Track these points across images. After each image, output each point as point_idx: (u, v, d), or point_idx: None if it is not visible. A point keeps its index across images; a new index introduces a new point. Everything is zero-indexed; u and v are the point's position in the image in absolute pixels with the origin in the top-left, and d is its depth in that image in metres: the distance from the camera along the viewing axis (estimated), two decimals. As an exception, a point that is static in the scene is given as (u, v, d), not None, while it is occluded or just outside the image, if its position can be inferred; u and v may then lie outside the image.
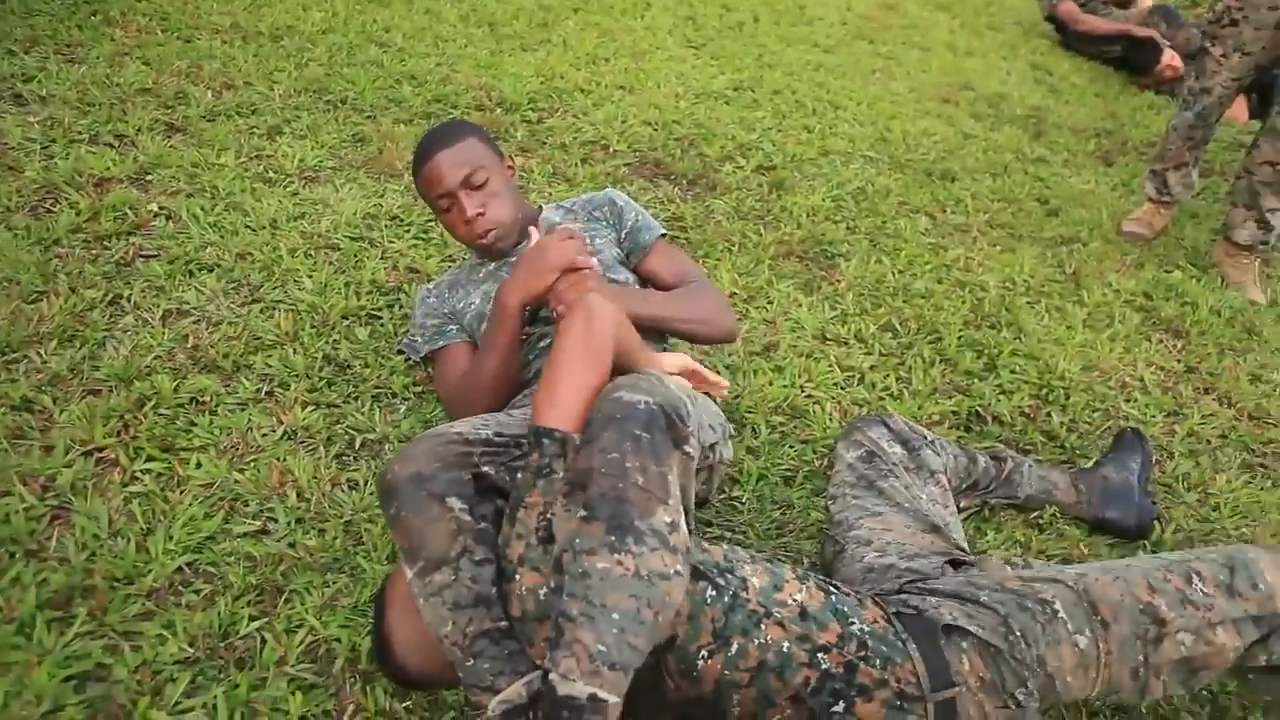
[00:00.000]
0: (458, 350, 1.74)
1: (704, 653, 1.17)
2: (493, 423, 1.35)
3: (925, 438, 1.72)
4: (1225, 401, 2.31)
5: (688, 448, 1.16)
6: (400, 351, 1.93)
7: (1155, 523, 1.83)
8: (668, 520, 1.09)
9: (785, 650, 1.18)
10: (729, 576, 1.22)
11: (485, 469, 1.26)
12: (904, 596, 1.33)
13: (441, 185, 1.67)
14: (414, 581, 1.17)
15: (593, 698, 0.98)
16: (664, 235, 1.85)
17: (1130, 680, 1.23)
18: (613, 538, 1.06)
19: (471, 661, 1.14)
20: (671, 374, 1.39)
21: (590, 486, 1.09)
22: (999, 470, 1.79)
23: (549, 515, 1.16)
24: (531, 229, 1.68)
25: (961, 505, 1.77)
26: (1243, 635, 1.23)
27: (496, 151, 1.76)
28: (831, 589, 1.28)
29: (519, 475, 1.22)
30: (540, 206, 1.90)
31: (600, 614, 1.02)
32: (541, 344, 1.66)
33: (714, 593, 1.19)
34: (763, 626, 1.19)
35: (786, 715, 1.19)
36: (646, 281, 1.82)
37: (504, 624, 1.15)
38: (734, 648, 1.17)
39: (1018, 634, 1.23)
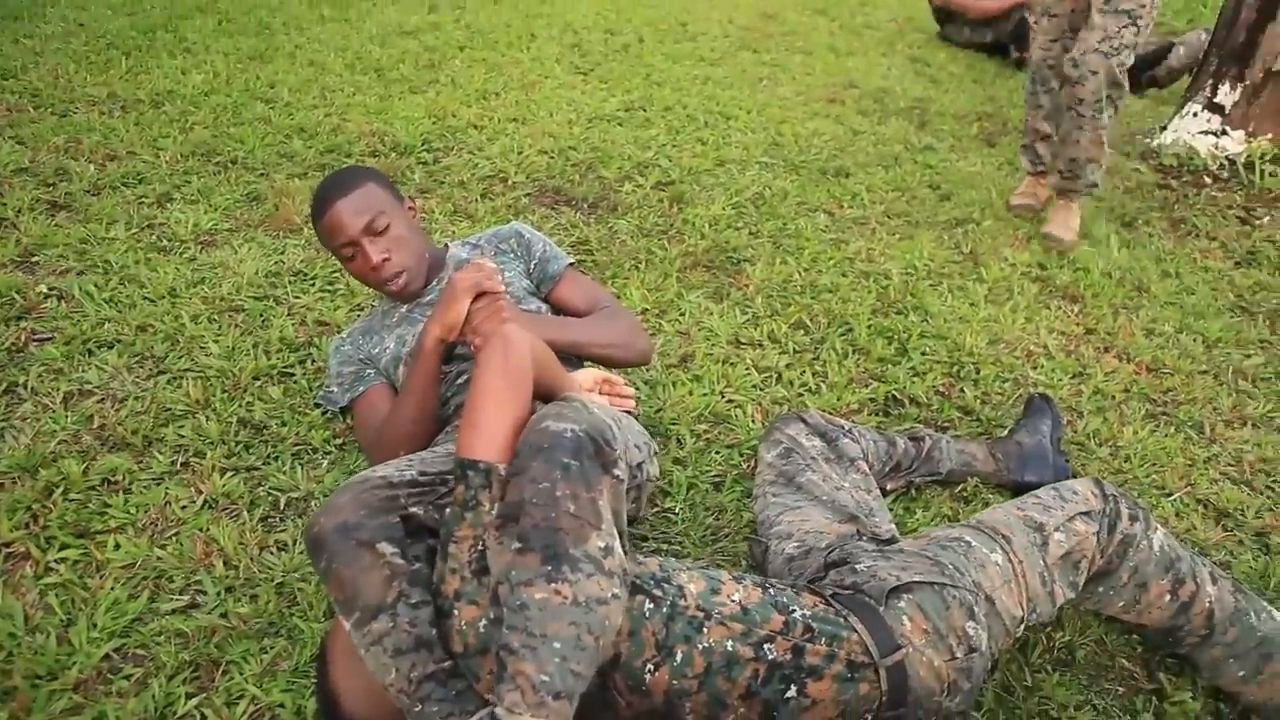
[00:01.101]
0: (376, 394, 1.72)
1: (650, 666, 1.18)
2: (416, 462, 1.34)
3: (843, 428, 1.76)
4: (1124, 358, 2.42)
5: (616, 471, 1.17)
6: (318, 405, 1.90)
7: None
8: (601, 545, 1.10)
9: (729, 649, 1.20)
10: (665, 586, 1.23)
11: (413, 509, 1.25)
12: (833, 575, 1.38)
13: (343, 234, 1.65)
14: (352, 633, 1.16)
15: None
16: (572, 264, 1.87)
17: (1041, 587, 1.38)
18: (549, 567, 1.06)
19: (420, 707, 1.12)
20: (588, 389, 1.40)
21: (522, 518, 1.09)
22: (918, 449, 1.85)
23: (480, 547, 1.16)
24: (479, 260, 1.66)
25: (889, 488, 1.82)
26: (1090, 524, 1.42)
27: (395, 194, 1.75)
28: (768, 585, 1.31)
29: (447, 510, 1.21)
30: (446, 245, 1.90)
31: (541, 644, 1.03)
32: (460, 380, 1.66)
33: (652, 605, 1.20)
34: (704, 630, 1.20)
35: (740, 714, 1.20)
36: (558, 310, 1.84)
37: (447, 664, 1.14)
38: (679, 656, 1.18)
39: (950, 566, 1.34)
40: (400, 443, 1.55)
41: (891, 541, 1.49)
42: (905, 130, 3.97)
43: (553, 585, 1.05)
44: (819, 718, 1.21)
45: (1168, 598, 1.44)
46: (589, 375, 1.50)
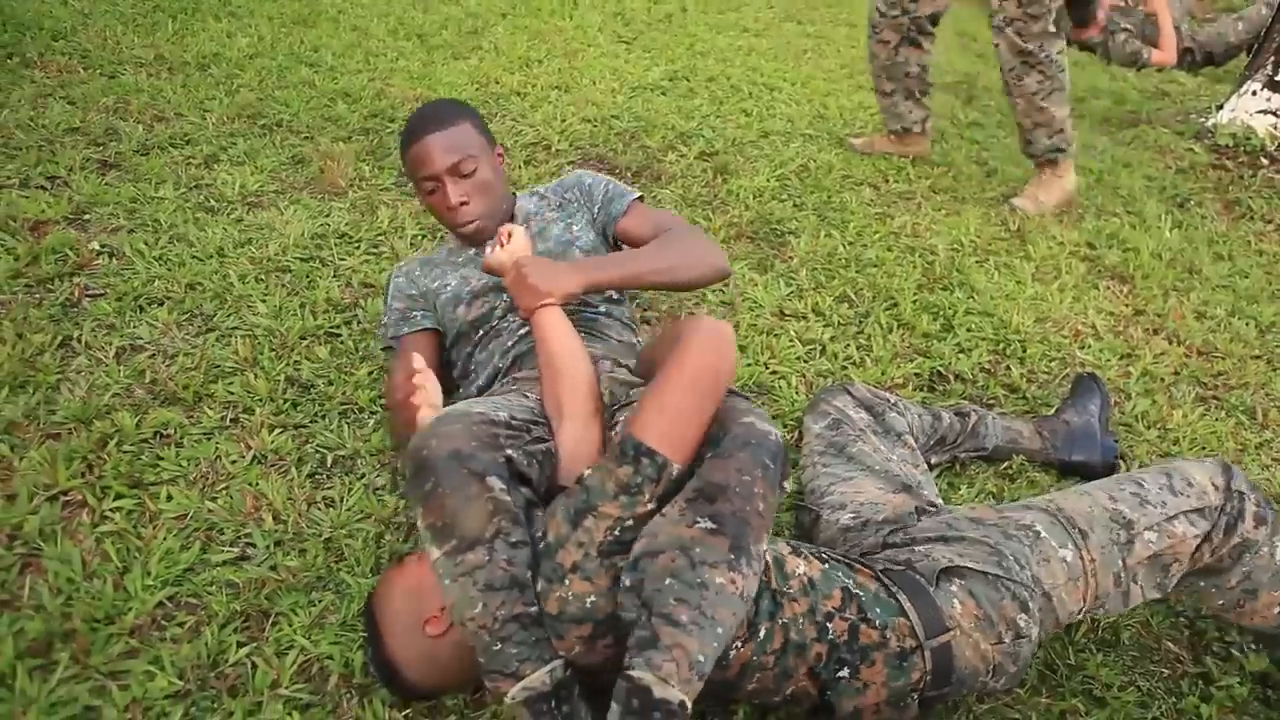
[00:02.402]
0: (418, 342, 1.70)
1: (737, 643, 1.19)
2: (503, 405, 1.34)
3: (889, 401, 1.75)
4: (1174, 340, 2.38)
5: (786, 484, 1.21)
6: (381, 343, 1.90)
7: (1119, 460, 1.88)
8: (763, 548, 1.14)
9: (801, 626, 1.20)
10: None
11: (510, 452, 1.23)
12: (888, 553, 1.36)
13: (429, 168, 1.62)
14: (442, 561, 1.14)
15: (682, 704, 1.01)
16: (639, 198, 1.81)
17: (1114, 587, 1.30)
18: (733, 556, 1.08)
19: (499, 646, 1.12)
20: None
21: (720, 501, 1.11)
22: (964, 425, 1.83)
23: (618, 531, 1.14)
24: (505, 228, 1.62)
25: (932, 462, 1.80)
26: (1194, 526, 1.33)
27: (488, 138, 1.71)
28: (825, 556, 1.31)
29: (588, 479, 1.18)
30: (515, 194, 1.87)
31: (709, 625, 1.05)
32: (522, 331, 1.64)
33: None
34: (784, 606, 1.21)
35: (801, 685, 1.21)
36: (626, 248, 1.79)
37: (534, 610, 1.14)
38: (762, 632, 1.19)
39: (1010, 558, 1.28)
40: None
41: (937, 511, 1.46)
42: (952, 105, 3.91)
43: (732, 573, 1.08)
44: (869, 699, 1.22)
45: (1277, 609, 1.37)
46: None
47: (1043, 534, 1.32)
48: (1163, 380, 2.20)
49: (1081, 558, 1.30)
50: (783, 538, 1.34)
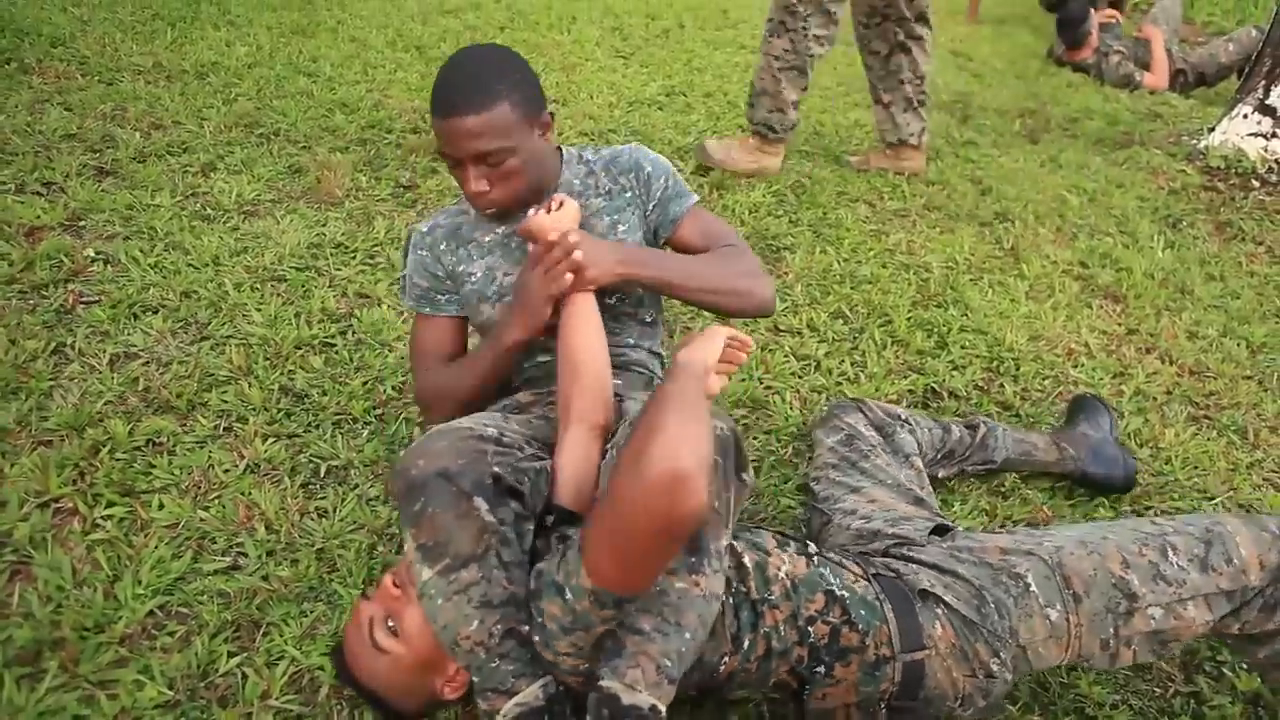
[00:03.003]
0: (444, 327, 1.58)
1: (724, 658, 1.19)
2: (491, 423, 1.31)
3: (899, 418, 1.75)
4: (1167, 359, 2.39)
5: (745, 475, 1.18)
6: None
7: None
8: (724, 544, 1.12)
9: (783, 633, 1.21)
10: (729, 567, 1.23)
11: (496, 468, 1.21)
12: (887, 560, 1.36)
13: (452, 149, 1.41)
14: (434, 580, 1.13)
15: (654, 709, 1.01)
16: (698, 202, 1.62)
17: (1100, 650, 1.27)
18: (693, 559, 1.08)
19: (496, 663, 1.12)
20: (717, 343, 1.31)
21: None
22: (973, 437, 1.82)
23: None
24: (557, 196, 1.45)
25: (940, 475, 1.80)
26: (1214, 610, 1.25)
27: (530, 111, 1.43)
28: (811, 552, 1.30)
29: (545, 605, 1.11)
30: (561, 151, 1.61)
31: (674, 631, 1.05)
32: (541, 359, 1.57)
33: (727, 599, 1.20)
34: (764, 615, 1.21)
35: (782, 679, 1.22)
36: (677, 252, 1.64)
37: (526, 628, 1.14)
38: (745, 643, 1.19)
39: (991, 606, 1.26)
40: (453, 409, 1.48)
41: (954, 531, 1.43)
42: (947, 124, 3.93)
43: (693, 576, 1.07)
44: (839, 694, 1.24)
45: (1235, 628, 1.31)
46: (719, 333, 1.32)
47: (1033, 588, 1.27)
48: (1155, 399, 2.21)
49: (1068, 619, 1.25)
50: (768, 528, 1.33)
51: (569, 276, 1.36)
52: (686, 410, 1.04)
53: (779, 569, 1.25)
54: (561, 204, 1.41)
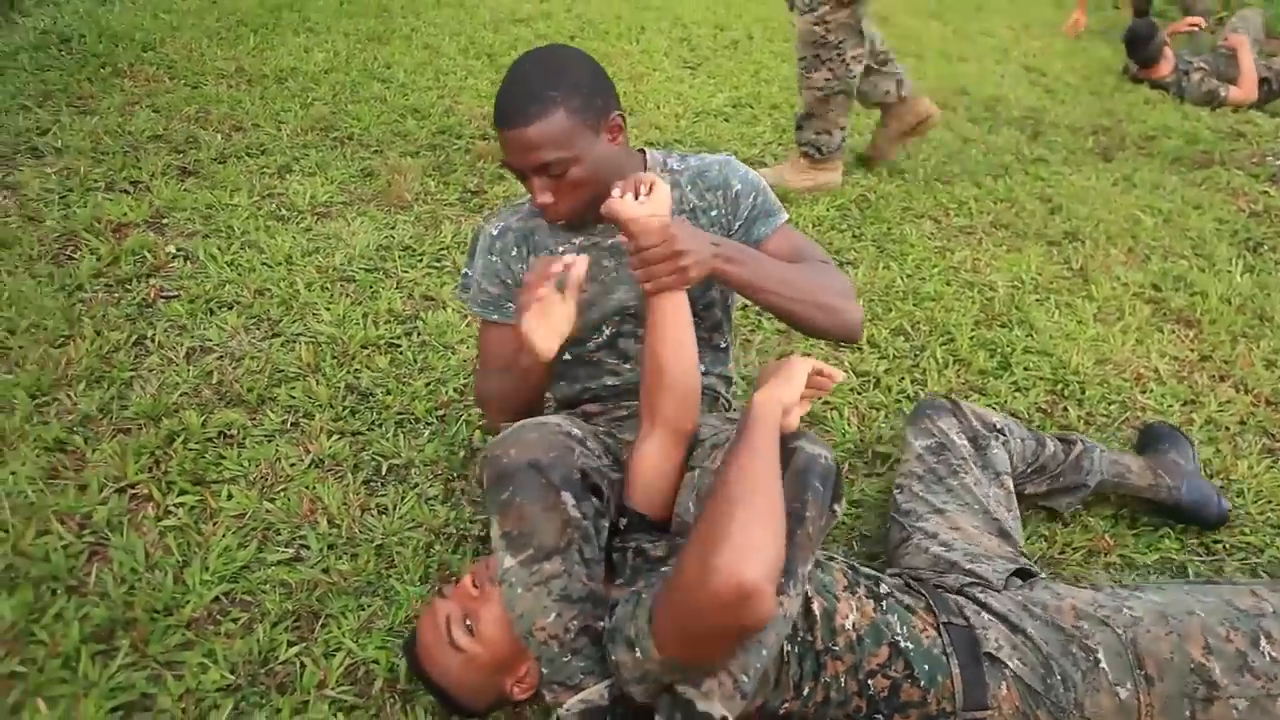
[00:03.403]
0: (509, 334, 1.46)
1: (785, 704, 1.19)
2: (576, 425, 1.32)
3: (995, 428, 1.67)
4: (1241, 388, 2.31)
5: (837, 506, 1.18)
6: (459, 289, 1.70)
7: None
8: (810, 569, 1.13)
9: (843, 683, 1.19)
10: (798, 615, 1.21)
11: (583, 464, 1.23)
12: (961, 600, 1.31)
13: (513, 160, 1.35)
14: (516, 569, 1.15)
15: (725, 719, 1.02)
16: (787, 220, 1.54)
17: None
18: (782, 580, 1.08)
19: (568, 657, 1.13)
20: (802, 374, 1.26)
21: None
22: (1068, 453, 1.74)
23: None
24: (646, 178, 1.34)
25: (1027, 491, 1.73)
26: None
27: (592, 119, 1.33)
28: (882, 595, 1.27)
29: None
30: (645, 154, 1.52)
31: (754, 647, 1.05)
32: (610, 380, 1.55)
33: (789, 648, 1.18)
34: (826, 665, 1.19)
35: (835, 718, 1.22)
36: None
37: (601, 623, 1.15)
38: (806, 691, 1.19)
39: (1057, 676, 1.21)
40: (508, 416, 1.44)
41: (1035, 578, 1.38)
42: (1017, 140, 3.86)
43: (780, 597, 1.07)
44: None
45: None
46: (805, 366, 1.26)
47: (1102, 663, 1.20)
48: (1228, 429, 2.14)
49: (1138, 699, 1.18)
50: (840, 562, 1.31)
51: (669, 278, 1.27)
52: (757, 499, 1.04)
53: (846, 618, 1.22)
54: (652, 186, 1.30)
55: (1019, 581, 1.37)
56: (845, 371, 2.17)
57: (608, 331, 1.53)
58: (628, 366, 1.55)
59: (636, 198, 1.29)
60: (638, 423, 1.38)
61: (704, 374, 1.54)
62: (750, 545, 0.98)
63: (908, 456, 1.65)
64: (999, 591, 1.34)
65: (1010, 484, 1.62)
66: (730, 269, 1.33)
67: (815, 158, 3.05)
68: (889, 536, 1.58)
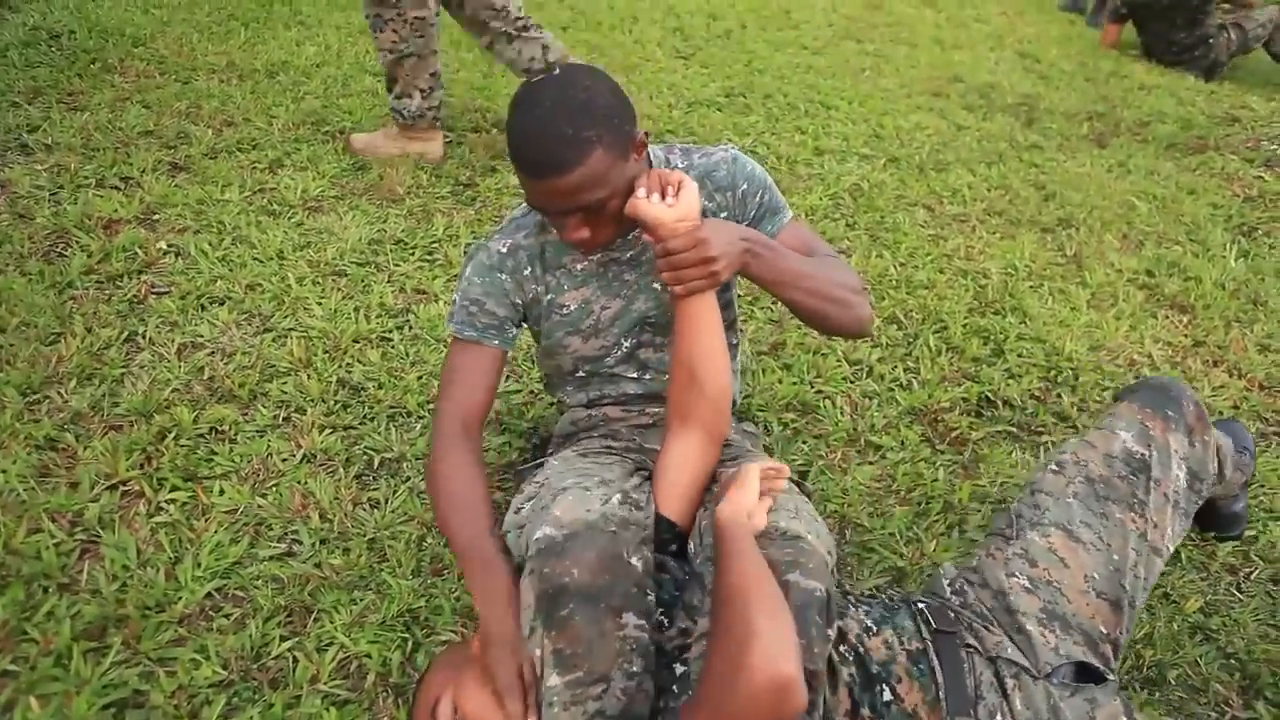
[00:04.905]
0: (492, 358, 1.43)
1: None
2: (600, 482, 1.25)
3: (1219, 469, 1.42)
4: (1235, 373, 2.31)
5: (830, 631, 1.15)
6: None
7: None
8: (812, 699, 1.08)
9: None
10: None
11: (634, 562, 1.16)
12: (997, 668, 1.20)
13: (548, 205, 1.25)
14: (560, 689, 1.09)
15: None
16: (795, 216, 1.48)
17: None
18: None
19: None
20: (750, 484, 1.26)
21: None
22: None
23: None
24: (675, 175, 1.29)
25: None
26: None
27: (625, 148, 1.24)
28: (885, 701, 1.17)
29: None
30: (650, 152, 1.43)
31: None
32: (630, 389, 1.53)
33: None
34: None
35: None
36: None
37: None
38: None
39: None
40: (464, 467, 1.36)
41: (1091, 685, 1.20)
42: (1011, 127, 3.86)
43: None
44: None
45: None
46: (752, 475, 1.25)
47: None
48: (1222, 414, 2.14)
49: None
50: (848, 660, 1.19)
51: (701, 281, 1.24)
52: (765, 601, 1.04)
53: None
54: (680, 186, 1.25)
55: (1069, 674, 1.21)
56: (839, 360, 2.17)
57: (627, 345, 1.50)
58: (649, 376, 1.53)
59: (664, 196, 1.24)
60: (662, 431, 1.36)
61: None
62: (778, 640, 0.98)
63: (1100, 439, 1.36)
64: (1034, 679, 1.18)
65: (1171, 550, 1.35)
66: (756, 265, 1.29)
67: (402, 123, 2.93)
68: (996, 520, 1.40)
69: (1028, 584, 1.26)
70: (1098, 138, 3.91)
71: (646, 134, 1.31)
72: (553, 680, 1.09)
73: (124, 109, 3.03)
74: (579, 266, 1.44)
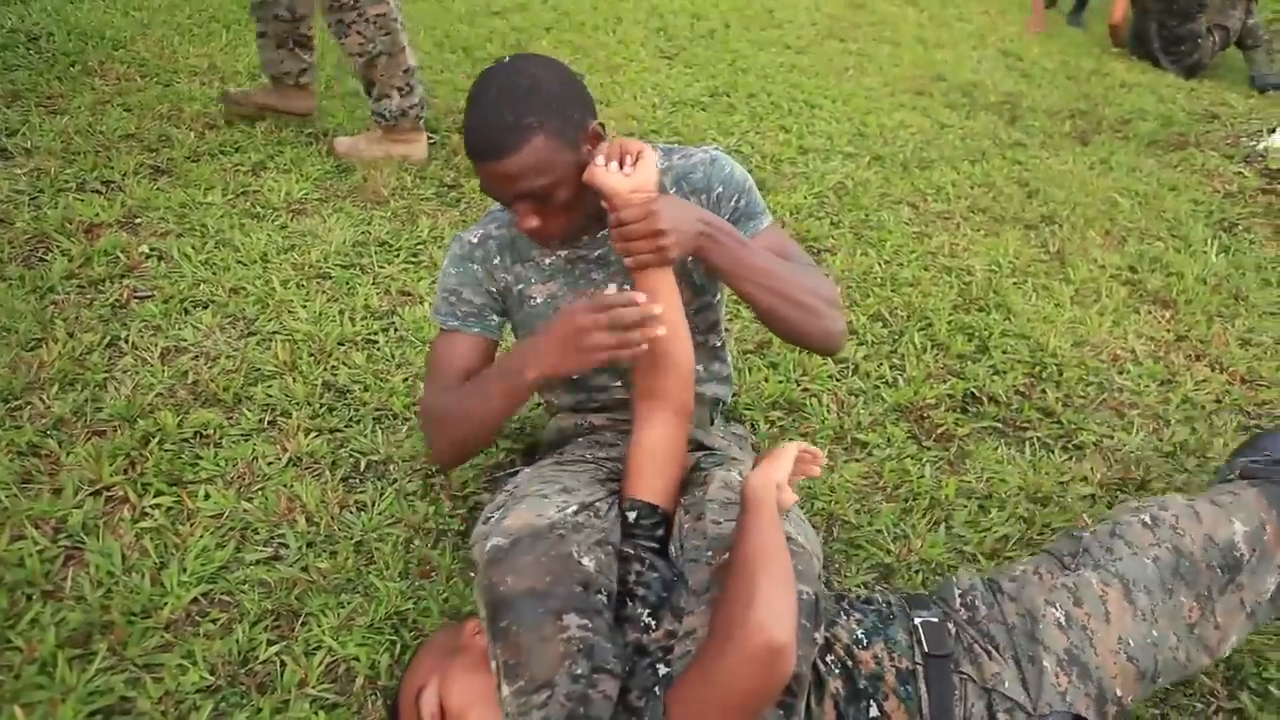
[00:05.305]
0: (478, 346, 1.46)
1: None
2: (564, 489, 1.28)
3: None
4: (1217, 367, 2.33)
5: (817, 635, 1.15)
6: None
7: None
8: (793, 705, 1.10)
9: None
10: None
11: (586, 561, 1.16)
12: (983, 709, 1.18)
13: (492, 190, 1.29)
14: (510, 699, 1.09)
15: None
16: (771, 223, 1.46)
17: None
18: (780, 712, 1.07)
19: None
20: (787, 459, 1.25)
21: None
22: None
23: None
24: (633, 145, 1.28)
25: None
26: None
27: (573, 137, 1.25)
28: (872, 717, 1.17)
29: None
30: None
31: None
32: (617, 393, 1.52)
33: None
34: None
35: None
36: None
37: None
38: None
39: None
40: (455, 449, 1.40)
41: None
42: (994, 125, 3.88)
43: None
44: None
45: None
46: (789, 452, 1.25)
47: None
48: (1204, 408, 2.16)
49: None
50: (835, 671, 1.18)
51: (649, 255, 1.23)
52: (774, 569, 1.06)
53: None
54: (639, 156, 1.24)
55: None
56: (824, 359, 2.17)
57: None
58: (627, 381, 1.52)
59: (621, 166, 1.24)
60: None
61: (703, 380, 1.53)
62: (775, 607, 1.02)
63: (1211, 518, 1.30)
64: (1029, 717, 1.16)
65: (1226, 654, 1.32)
66: (712, 250, 1.27)
67: (385, 125, 2.92)
68: (1060, 541, 1.37)
69: (1063, 619, 1.22)
70: (1080, 135, 3.94)
71: (602, 125, 1.31)
72: (504, 690, 1.09)
73: (104, 112, 3.00)
74: (546, 261, 1.45)
